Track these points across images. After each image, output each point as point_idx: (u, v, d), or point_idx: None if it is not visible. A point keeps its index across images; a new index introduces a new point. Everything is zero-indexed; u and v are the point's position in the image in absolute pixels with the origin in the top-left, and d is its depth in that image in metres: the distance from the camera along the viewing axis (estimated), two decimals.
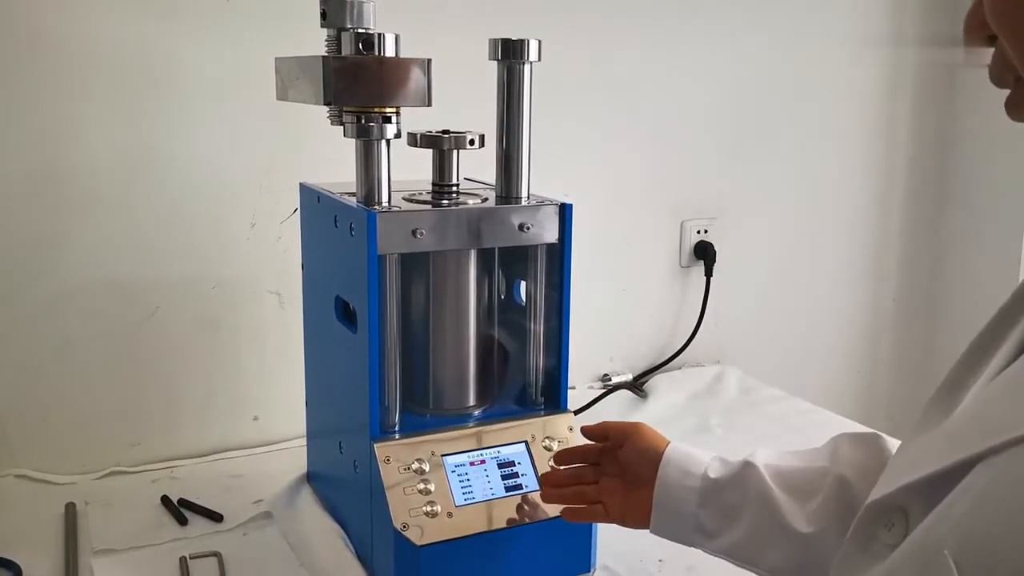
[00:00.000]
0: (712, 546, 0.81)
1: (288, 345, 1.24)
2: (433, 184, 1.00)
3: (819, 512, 0.75)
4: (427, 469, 0.93)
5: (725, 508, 0.80)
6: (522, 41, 0.93)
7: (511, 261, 1.06)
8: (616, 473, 0.88)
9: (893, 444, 0.74)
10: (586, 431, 0.92)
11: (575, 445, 0.94)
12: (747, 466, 0.80)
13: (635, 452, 0.86)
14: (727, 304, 1.70)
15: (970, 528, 0.39)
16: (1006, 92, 0.52)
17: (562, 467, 0.92)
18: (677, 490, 0.82)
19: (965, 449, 0.41)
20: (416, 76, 0.89)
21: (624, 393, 1.55)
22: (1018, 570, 0.35)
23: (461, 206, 0.95)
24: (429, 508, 0.91)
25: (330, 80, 0.86)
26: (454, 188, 0.99)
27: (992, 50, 0.50)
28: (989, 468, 0.40)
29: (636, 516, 0.85)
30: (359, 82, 0.87)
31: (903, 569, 0.42)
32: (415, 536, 0.89)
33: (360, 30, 0.89)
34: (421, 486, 0.91)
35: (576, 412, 1.15)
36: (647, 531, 0.85)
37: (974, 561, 0.38)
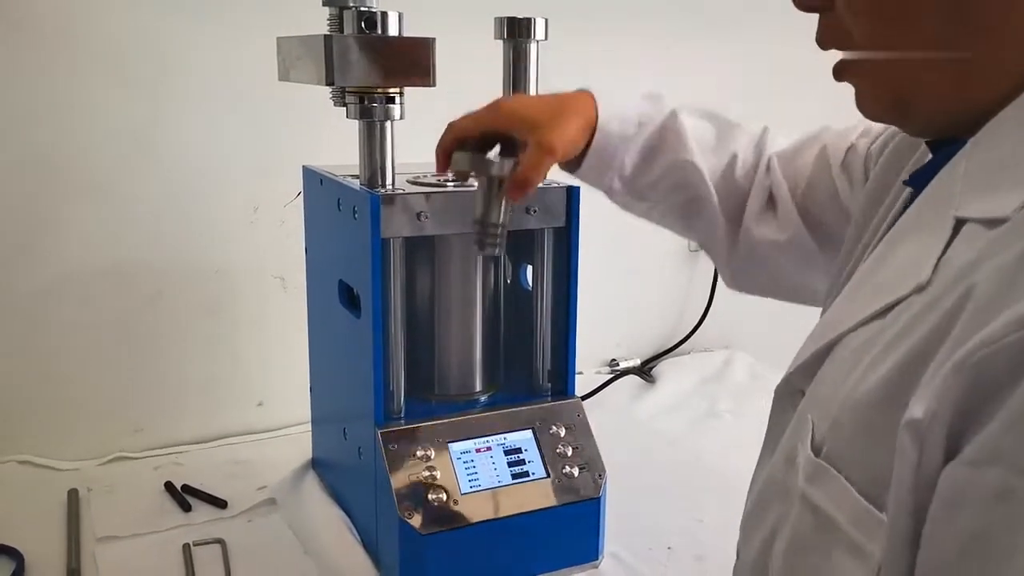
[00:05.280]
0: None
1: (292, 330, 1.23)
2: None
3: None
4: (432, 456, 0.91)
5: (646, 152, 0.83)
6: (529, 19, 0.92)
7: (517, 245, 1.04)
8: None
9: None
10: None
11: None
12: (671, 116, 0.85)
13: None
14: None
15: (822, 396, 0.52)
16: None
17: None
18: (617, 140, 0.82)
19: (824, 339, 0.54)
20: (420, 55, 0.87)
21: (632, 378, 1.54)
22: (835, 416, 0.48)
23: (466, 189, 0.94)
24: (434, 496, 0.89)
25: (332, 60, 0.84)
26: None
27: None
28: (834, 352, 0.53)
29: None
30: (361, 62, 0.86)
31: (797, 428, 0.54)
32: (419, 524, 0.88)
33: (363, 8, 0.87)
34: (426, 473, 0.90)
35: (583, 398, 1.13)
36: (656, 521, 0.84)
37: (819, 415, 0.50)
